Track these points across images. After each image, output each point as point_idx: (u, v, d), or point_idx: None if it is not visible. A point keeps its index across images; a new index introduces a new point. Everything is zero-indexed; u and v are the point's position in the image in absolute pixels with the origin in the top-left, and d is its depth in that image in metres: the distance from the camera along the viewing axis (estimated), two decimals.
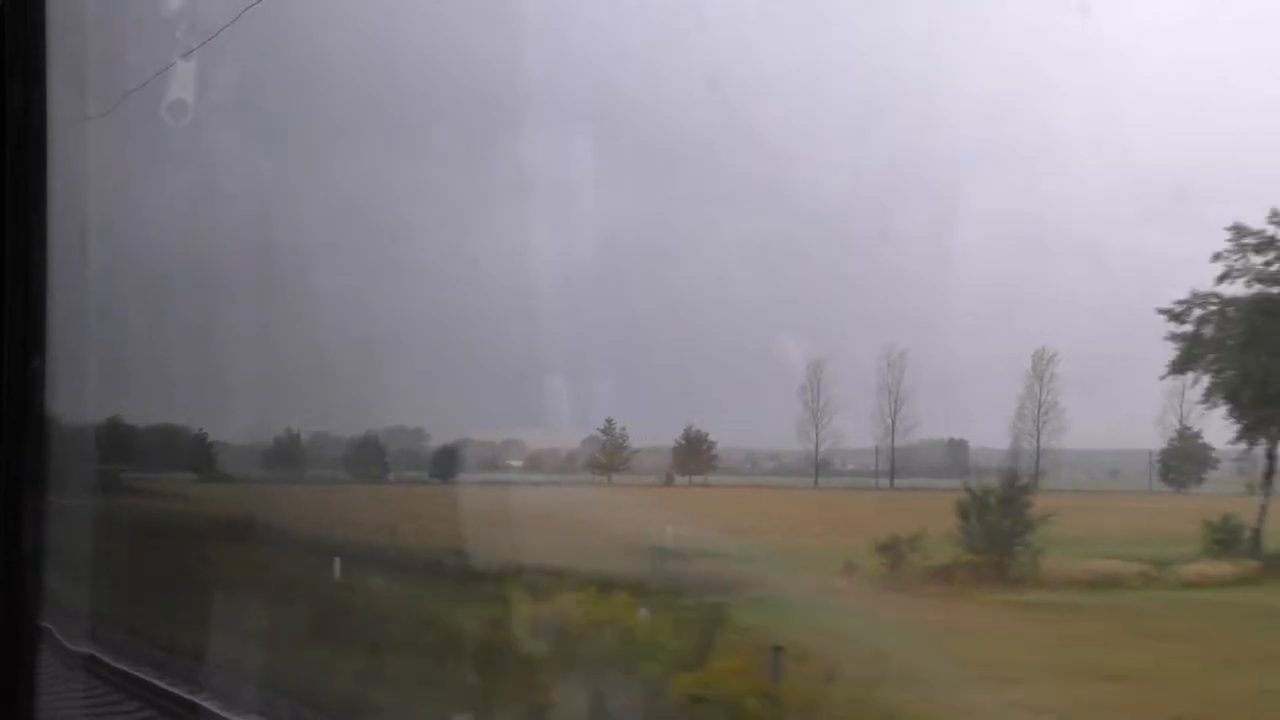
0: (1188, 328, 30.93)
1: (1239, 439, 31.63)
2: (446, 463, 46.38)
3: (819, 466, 49.98)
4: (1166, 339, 31.11)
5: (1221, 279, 30.16)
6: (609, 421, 47.40)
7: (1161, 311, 30.86)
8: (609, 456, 48.45)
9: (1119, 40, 35.38)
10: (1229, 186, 35.89)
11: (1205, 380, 32.04)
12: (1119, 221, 41.34)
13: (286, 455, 37.51)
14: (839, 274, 43.68)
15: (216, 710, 13.20)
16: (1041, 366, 43.27)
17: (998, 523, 26.28)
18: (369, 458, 42.57)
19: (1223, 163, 35.07)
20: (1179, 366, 31.88)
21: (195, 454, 37.23)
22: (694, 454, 49.36)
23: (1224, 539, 27.93)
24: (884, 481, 47.95)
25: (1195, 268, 31.04)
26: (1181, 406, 41.34)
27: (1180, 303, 30.81)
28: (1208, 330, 30.99)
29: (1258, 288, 30.00)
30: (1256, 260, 29.81)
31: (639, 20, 44.84)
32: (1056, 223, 38.11)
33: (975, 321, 39.87)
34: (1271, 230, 29.64)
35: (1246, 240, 29.72)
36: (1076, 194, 36.27)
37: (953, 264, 36.12)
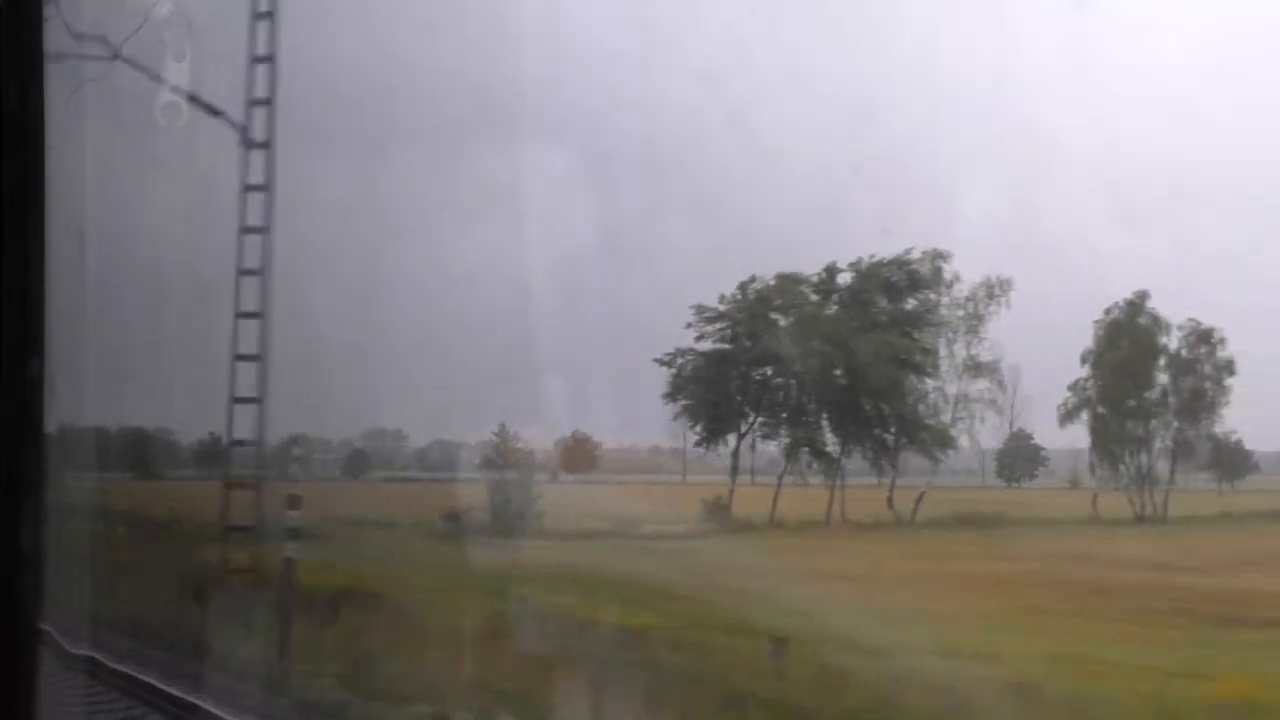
0: (673, 370, 44.10)
1: (699, 445, 45.73)
2: (356, 463, 50.78)
3: (686, 466, 55.53)
4: (665, 379, 43.85)
5: (698, 339, 43.47)
6: (502, 425, 48.82)
7: (656, 359, 43.52)
8: (503, 457, 50.46)
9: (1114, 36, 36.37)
10: (1195, 191, 37.25)
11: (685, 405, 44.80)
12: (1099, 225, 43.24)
13: (211, 457, 37.30)
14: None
15: None
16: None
17: (509, 497, 36.21)
18: (284, 459, 42.62)
19: (1204, 168, 36.66)
20: (670, 396, 44.49)
21: (140, 454, 37.18)
22: (579, 453, 54.96)
23: (714, 510, 40.71)
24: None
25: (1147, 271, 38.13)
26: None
27: (668, 354, 43.85)
28: (686, 372, 44.02)
29: (714, 346, 43.68)
30: (713, 328, 43.44)
31: (635, 20, 45.72)
32: (1036, 224, 40.17)
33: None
34: (722, 308, 42.99)
35: (707, 314, 43.06)
36: (1066, 194, 37.89)
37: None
